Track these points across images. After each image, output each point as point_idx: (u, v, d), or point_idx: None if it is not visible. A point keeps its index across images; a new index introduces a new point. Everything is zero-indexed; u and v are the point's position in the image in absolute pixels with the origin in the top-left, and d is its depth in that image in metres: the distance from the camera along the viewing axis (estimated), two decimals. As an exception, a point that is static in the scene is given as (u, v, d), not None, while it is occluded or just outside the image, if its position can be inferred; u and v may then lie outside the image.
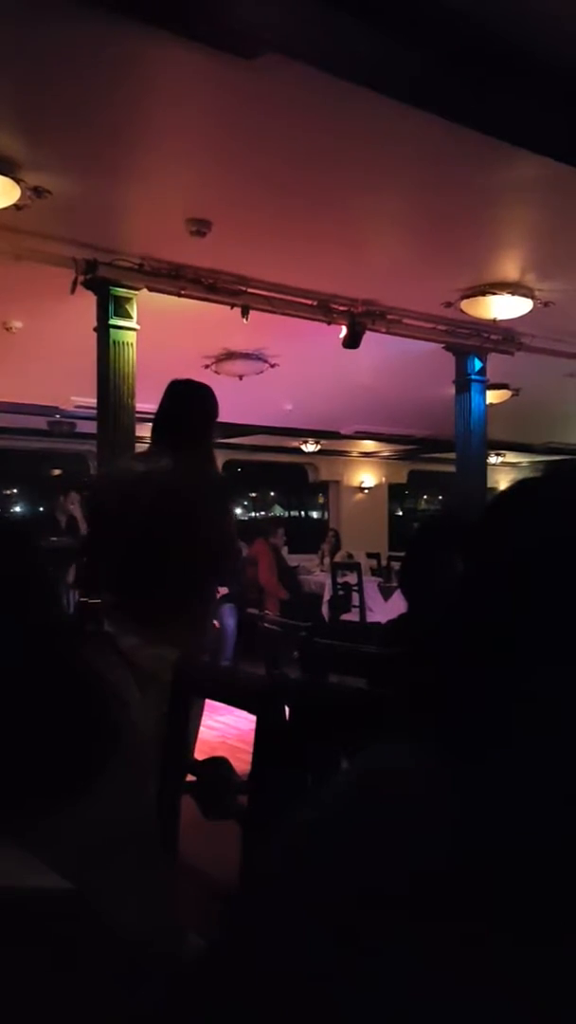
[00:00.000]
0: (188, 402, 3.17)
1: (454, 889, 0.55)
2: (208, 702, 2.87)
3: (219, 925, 0.65)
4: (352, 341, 5.84)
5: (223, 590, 6.83)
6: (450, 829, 0.58)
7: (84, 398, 6.90)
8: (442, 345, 6.48)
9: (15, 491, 13.01)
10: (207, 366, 7.41)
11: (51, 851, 0.74)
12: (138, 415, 5.40)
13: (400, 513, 16.20)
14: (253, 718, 1.73)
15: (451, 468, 7.54)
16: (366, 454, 13.66)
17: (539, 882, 0.55)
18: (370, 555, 10.84)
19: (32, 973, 0.63)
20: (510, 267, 5.13)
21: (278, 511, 16.48)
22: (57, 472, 12.63)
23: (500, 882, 0.55)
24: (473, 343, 6.48)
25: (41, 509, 12.47)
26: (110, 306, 5.07)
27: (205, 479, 3.15)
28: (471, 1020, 0.53)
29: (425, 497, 16.52)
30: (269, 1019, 0.56)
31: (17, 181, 3.86)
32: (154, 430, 3.20)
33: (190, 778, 1.88)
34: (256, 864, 0.67)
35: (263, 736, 1.66)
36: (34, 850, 0.73)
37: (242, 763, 1.80)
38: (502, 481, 13.82)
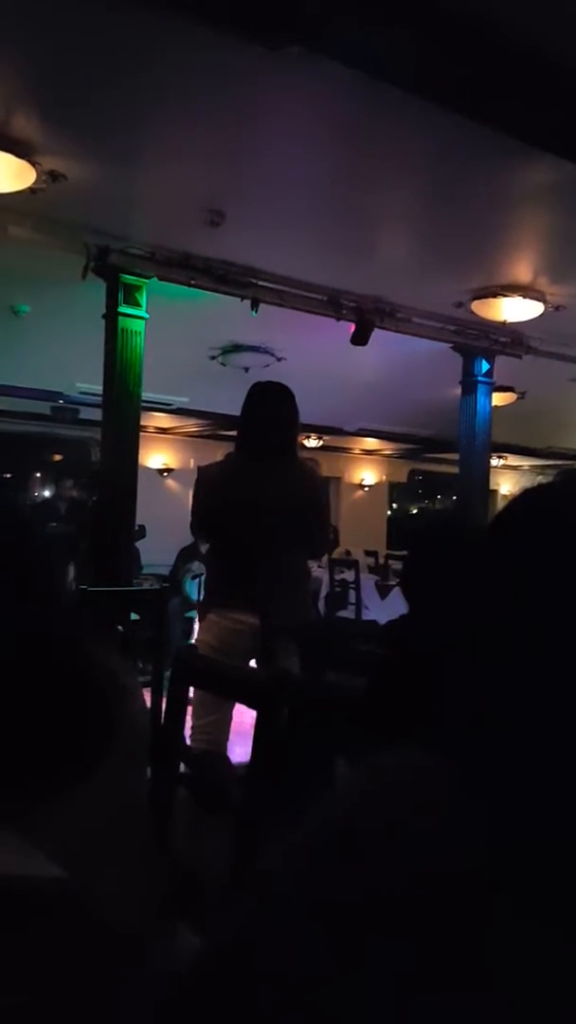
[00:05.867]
0: (283, 405, 3.36)
1: (472, 891, 0.55)
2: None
3: (218, 924, 0.64)
4: (360, 338, 5.83)
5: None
6: (468, 832, 0.57)
7: (89, 385, 6.89)
8: (450, 345, 6.48)
9: (15, 475, 12.99)
10: (213, 357, 7.40)
11: (46, 840, 0.73)
12: (144, 403, 5.39)
13: (415, 511, 16.23)
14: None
15: (453, 469, 7.54)
16: (368, 452, 13.65)
17: (561, 881, 0.55)
18: (368, 553, 10.84)
19: (26, 963, 0.63)
20: (523, 269, 5.11)
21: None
22: (58, 458, 12.62)
23: (521, 882, 0.55)
24: (481, 344, 6.48)
25: (39, 494, 12.46)
26: (120, 293, 5.05)
27: (316, 475, 3.58)
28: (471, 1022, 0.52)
29: (439, 497, 16.52)
30: (268, 1021, 0.55)
31: (33, 164, 3.85)
32: (250, 431, 3.37)
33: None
34: (257, 865, 0.66)
35: (263, 732, 1.66)
36: (29, 838, 0.72)
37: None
38: (503, 483, 13.83)
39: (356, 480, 13.89)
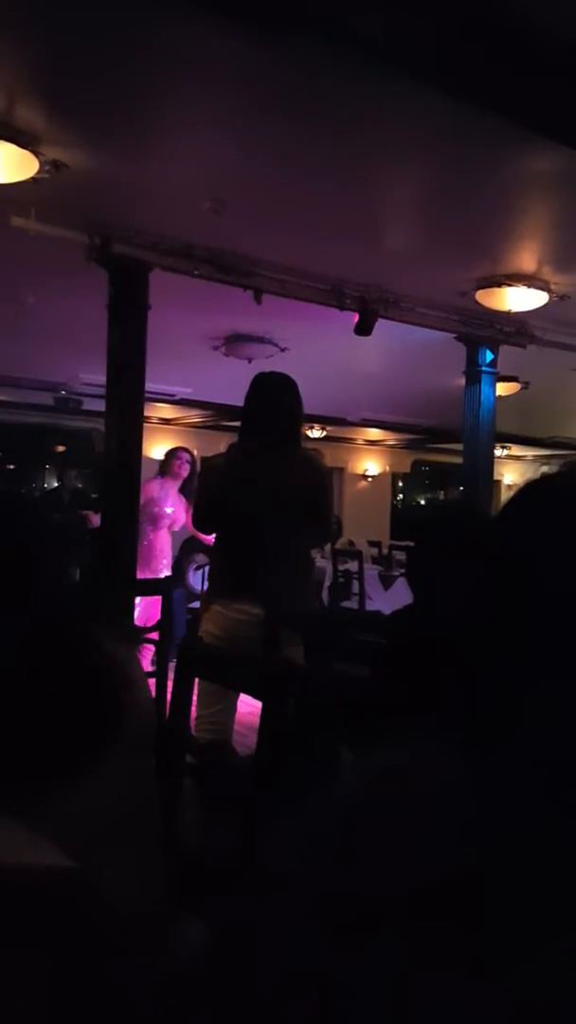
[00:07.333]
0: (286, 394, 3.36)
1: (473, 888, 0.55)
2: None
3: (221, 916, 0.64)
4: (364, 327, 5.80)
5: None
6: (478, 827, 0.57)
7: (93, 376, 6.88)
8: (454, 335, 6.45)
9: (19, 466, 13.00)
10: (216, 348, 7.39)
11: (54, 830, 0.73)
12: (147, 394, 5.38)
13: (422, 502, 16.27)
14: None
15: (457, 459, 7.52)
16: (371, 442, 13.64)
17: (562, 879, 0.55)
18: (371, 543, 10.85)
19: (34, 950, 0.63)
20: (527, 258, 5.09)
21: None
22: (62, 448, 12.63)
23: (526, 878, 0.54)
24: (485, 334, 6.45)
25: (43, 485, 12.48)
26: (122, 283, 5.03)
27: (319, 465, 3.57)
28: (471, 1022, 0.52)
29: (446, 487, 16.60)
30: (268, 1018, 0.55)
31: (36, 154, 3.82)
32: (253, 421, 3.35)
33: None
34: (260, 859, 0.66)
35: (268, 722, 1.66)
36: (38, 828, 0.72)
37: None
38: (507, 474, 13.80)
39: (359, 470, 13.90)
